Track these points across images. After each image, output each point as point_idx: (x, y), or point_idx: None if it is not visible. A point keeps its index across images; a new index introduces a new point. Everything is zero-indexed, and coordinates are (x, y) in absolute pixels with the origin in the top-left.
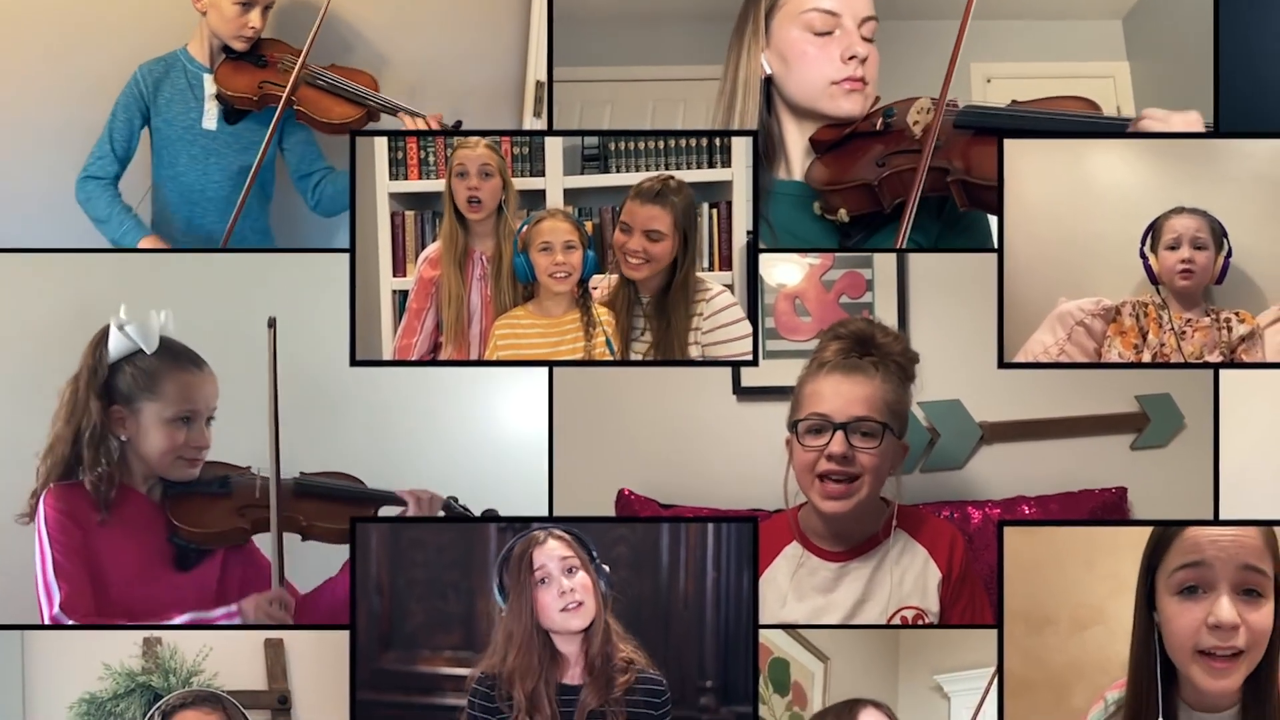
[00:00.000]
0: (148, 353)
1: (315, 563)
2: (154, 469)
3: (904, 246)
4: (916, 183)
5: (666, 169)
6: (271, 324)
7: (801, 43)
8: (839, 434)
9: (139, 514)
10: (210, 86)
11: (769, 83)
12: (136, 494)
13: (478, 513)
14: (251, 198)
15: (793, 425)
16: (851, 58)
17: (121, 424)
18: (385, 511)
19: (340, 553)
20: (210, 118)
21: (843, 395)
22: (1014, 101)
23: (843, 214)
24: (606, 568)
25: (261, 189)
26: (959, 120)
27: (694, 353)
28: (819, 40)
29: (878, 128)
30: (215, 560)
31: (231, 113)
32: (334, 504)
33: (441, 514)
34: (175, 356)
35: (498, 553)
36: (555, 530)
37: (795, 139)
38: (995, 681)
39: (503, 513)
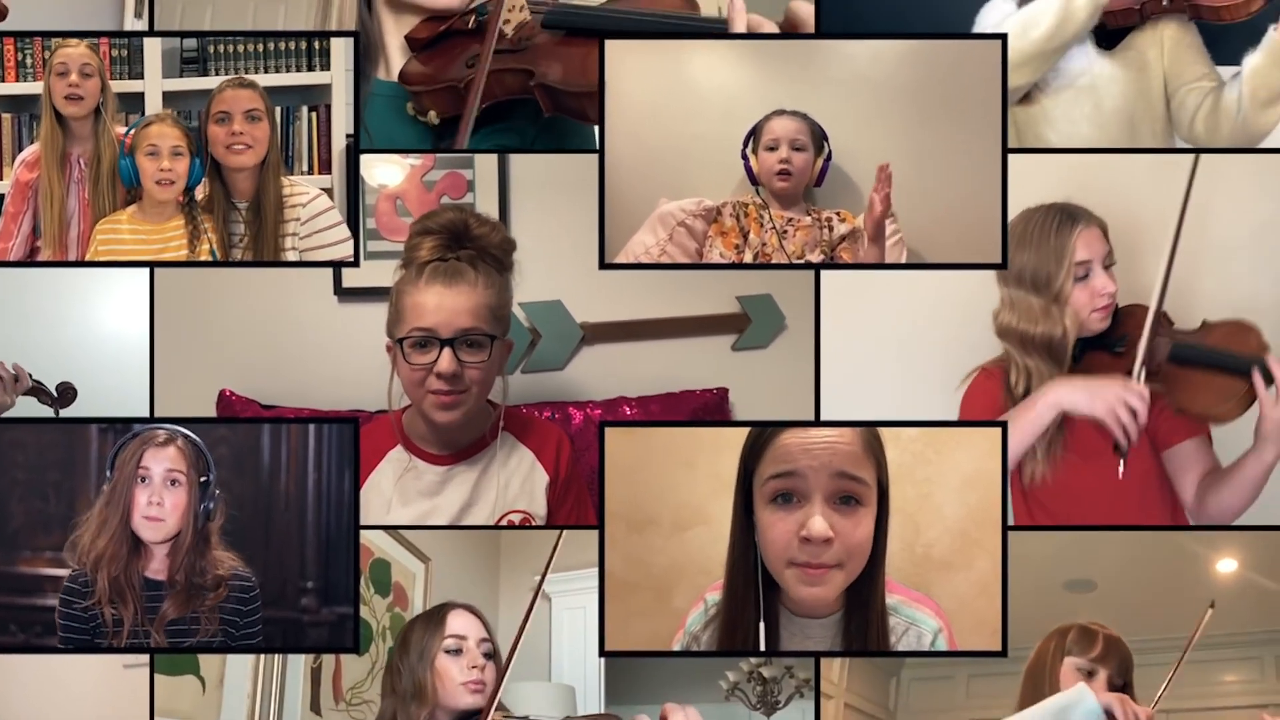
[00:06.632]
0: None
1: None
2: None
3: (465, 148)
4: (475, 87)
5: (266, 72)
6: None
7: None
8: (447, 350)
9: None
10: None
11: None
12: None
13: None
14: None
15: (397, 340)
16: None
17: None
18: None
19: None
20: None
21: (446, 308)
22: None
23: (433, 116)
24: (218, 491)
25: None
26: (547, 19)
27: (291, 257)
28: None
29: (470, 26)
30: None
31: None
32: None
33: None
34: None
35: (100, 455)
36: (180, 439)
37: (394, 37)
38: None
39: (104, 413)
